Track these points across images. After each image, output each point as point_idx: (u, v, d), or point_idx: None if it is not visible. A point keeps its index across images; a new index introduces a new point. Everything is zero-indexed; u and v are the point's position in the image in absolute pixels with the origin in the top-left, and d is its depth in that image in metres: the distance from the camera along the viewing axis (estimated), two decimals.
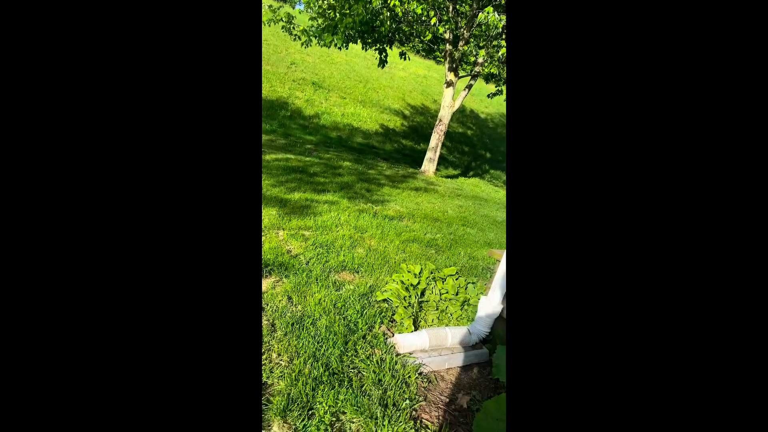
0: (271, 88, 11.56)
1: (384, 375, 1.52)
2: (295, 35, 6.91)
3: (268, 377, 1.41)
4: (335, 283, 2.24)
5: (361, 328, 1.79)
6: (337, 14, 6.25)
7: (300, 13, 6.92)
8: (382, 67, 7.59)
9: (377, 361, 1.58)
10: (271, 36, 14.16)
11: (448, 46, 7.30)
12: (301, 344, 1.60)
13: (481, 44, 7.70)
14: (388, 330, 1.87)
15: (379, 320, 1.90)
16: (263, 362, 1.48)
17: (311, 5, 6.49)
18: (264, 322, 1.74)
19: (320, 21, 6.66)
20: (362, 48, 7.24)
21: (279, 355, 1.54)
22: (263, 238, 2.65)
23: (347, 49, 6.96)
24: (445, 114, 7.74)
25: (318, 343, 1.63)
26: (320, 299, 1.99)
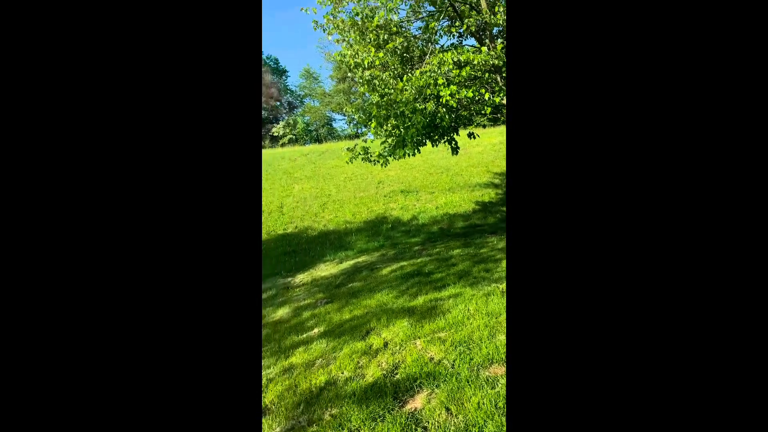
0: (369, 210, 12.78)
1: None
2: (374, 161, 7.83)
3: None
4: (488, 380, 2.10)
5: None
6: (402, 129, 7.02)
7: (372, 142, 7.93)
8: (456, 154, 7.98)
9: None
10: (356, 168, 16.19)
11: None
12: None
13: None
14: None
15: None
16: None
17: (377, 132, 7.44)
18: None
19: (390, 141, 7.51)
20: (432, 146, 7.81)
21: None
22: (404, 353, 2.70)
23: (419, 152, 7.57)
24: None
25: None
26: (479, 402, 1.88)
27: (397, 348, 2.82)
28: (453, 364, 2.37)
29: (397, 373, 2.42)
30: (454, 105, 6.55)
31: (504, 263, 5.12)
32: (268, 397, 2.47)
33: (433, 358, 2.53)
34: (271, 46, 59.99)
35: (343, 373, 2.58)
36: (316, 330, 3.67)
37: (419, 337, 2.93)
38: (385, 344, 2.93)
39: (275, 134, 28.47)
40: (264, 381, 2.73)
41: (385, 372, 2.46)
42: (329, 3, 6.55)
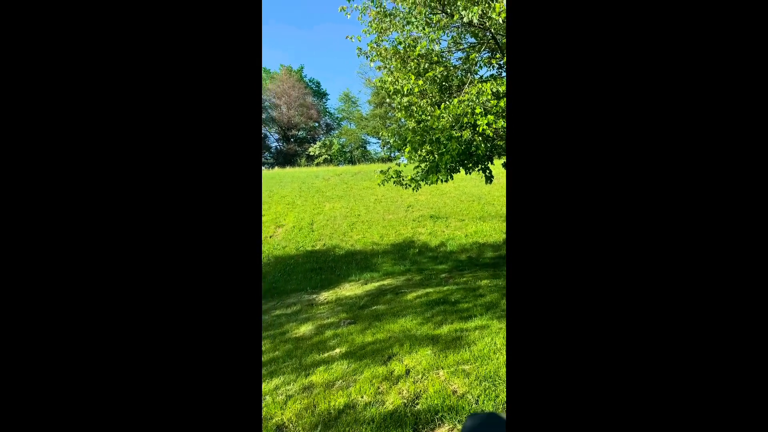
0: (396, 233, 12.78)
1: None
2: (406, 184, 7.89)
3: None
4: None
5: None
6: (436, 155, 7.06)
7: (405, 166, 8.01)
8: (490, 182, 7.91)
9: None
10: (387, 191, 16.35)
11: None
12: None
13: None
14: None
15: None
16: None
17: (412, 157, 7.52)
18: None
19: (423, 166, 7.57)
20: (466, 173, 7.79)
21: None
22: (426, 382, 2.62)
23: (452, 179, 7.57)
24: None
25: None
26: None
27: (419, 377, 2.74)
28: (477, 400, 2.27)
29: (417, 403, 2.34)
30: (491, 134, 6.55)
31: None
32: (287, 415, 2.46)
33: (456, 391, 2.44)
34: (314, 70, 62.80)
35: (362, 397, 2.54)
36: (337, 350, 3.64)
37: (442, 368, 2.85)
38: (407, 371, 2.86)
39: (311, 153, 29.37)
40: (283, 398, 2.72)
41: (405, 401, 2.39)
42: (374, 32, 6.83)
